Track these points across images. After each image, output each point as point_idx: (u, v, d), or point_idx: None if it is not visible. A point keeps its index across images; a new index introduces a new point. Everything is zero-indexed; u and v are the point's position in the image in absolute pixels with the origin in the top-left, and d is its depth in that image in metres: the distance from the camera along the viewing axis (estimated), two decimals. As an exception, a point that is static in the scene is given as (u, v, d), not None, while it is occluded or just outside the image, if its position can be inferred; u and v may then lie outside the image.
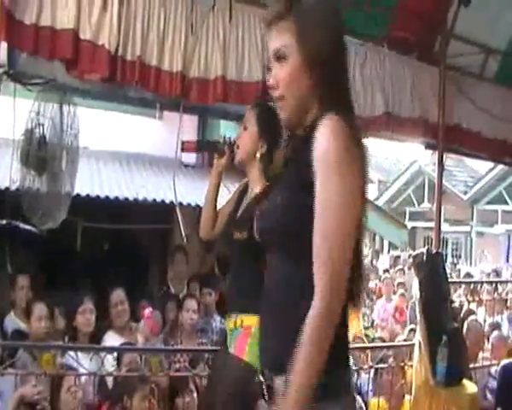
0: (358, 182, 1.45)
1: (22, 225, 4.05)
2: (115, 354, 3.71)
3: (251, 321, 2.52)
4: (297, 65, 1.52)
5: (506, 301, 6.20)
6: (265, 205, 1.63)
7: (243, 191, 2.79)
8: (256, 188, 2.65)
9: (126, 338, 4.13)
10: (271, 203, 1.59)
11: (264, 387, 1.60)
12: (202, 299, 5.40)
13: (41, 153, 3.40)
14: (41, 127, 3.39)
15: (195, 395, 3.75)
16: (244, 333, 2.54)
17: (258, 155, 2.63)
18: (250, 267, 2.49)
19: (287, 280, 1.55)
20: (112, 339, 4.15)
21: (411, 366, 3.96)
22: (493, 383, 4.74)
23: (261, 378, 1.62)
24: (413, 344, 4.01)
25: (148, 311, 4.50)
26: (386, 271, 12.52)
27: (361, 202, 1.47)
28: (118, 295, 4.39)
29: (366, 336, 6.81)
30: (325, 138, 1.43)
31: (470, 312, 5.38)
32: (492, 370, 4.85)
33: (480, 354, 4.93)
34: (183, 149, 2.74)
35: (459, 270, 13.00)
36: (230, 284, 2.74)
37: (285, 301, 1.54)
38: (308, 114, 1.56)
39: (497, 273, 10.31)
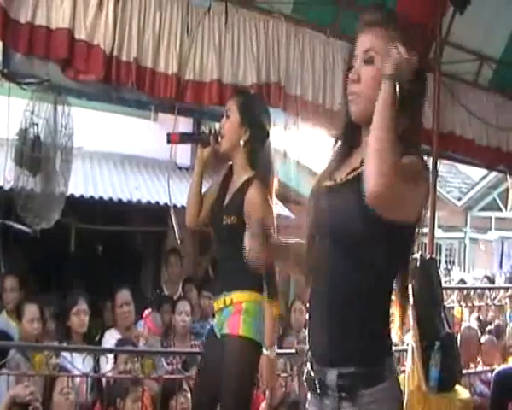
0: None
1: (16, 226, 4.03)
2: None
3: (242, 297, 2.54)
4: (378, 72, 1.57)
5: (502, 307, 6.20)
6: (338, 202, 1.65)
7: (227, 175, 2.81)
8: (241, 175, 2.67)
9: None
10: (345, 203, 1.62)
11: (316, 381, 1.68)
12: (201, 302, 5.39)
13: (35, 153, 3.38)
14: (35, 127, 3.37)
15: (189, 396, 3.74)
16: (236, 310, 2.56)
17: (241, 141, 2.66)
18: (239, 249, 2.52)
19: (346, 281, 1.63)
20: (112, 338, 4.15)
21: (404, 371, 3.96)
22: (481, 387, 4.75)
23: (311, 373, 1.70)
24: (406, 350, 4.01)
25: (147, 312, 4.49)
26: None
27: None
28: (123, 295, 4.39)
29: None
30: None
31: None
32: (482, 375, 4.86)
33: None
34: (168, 141, 2.77)
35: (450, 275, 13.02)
36: (218, 267, 2.77)
37: (344, 303, 1.63)
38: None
39: (490, 280, 10.30)
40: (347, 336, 1.62)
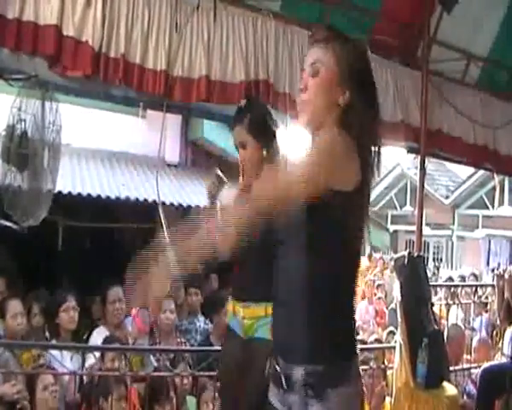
0: None
1: (3, 223, 4.00)
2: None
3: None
4: (322, 81, 1.73)
5: (486, 304, 6.25)
6: None
7: None
8: None
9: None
10: None
11: (282, 376, 1.71)
12: (188, 299, 5.38)
13: (22, 149, 3.36)
14: (23, 123, 3.35)
15: (175, 400, 3.71)
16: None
17: (264, 153, 2.55)
18: (260, 251, 2.47)
19: (300, 276, 1.69)
20: (100, 336, 4.13)
21: (392, 367, 3.98)
22: (470, 387, 4.78)
23: (277, 367, 1.74)
24: (394, 346, 4.03)
25: (135, 311, 4.47)
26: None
27: None
28: (115, 292, 4.35)
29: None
30: None
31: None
32: (473, 375, 4.88)
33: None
34: None
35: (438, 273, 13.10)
36: (248, 269, 2.58)
37: (298, 297, 1.69)
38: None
39: (476, 277, 10.39)
40: (308, 333, 1.65)
